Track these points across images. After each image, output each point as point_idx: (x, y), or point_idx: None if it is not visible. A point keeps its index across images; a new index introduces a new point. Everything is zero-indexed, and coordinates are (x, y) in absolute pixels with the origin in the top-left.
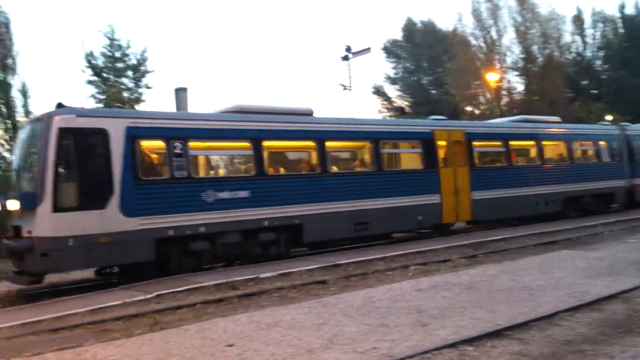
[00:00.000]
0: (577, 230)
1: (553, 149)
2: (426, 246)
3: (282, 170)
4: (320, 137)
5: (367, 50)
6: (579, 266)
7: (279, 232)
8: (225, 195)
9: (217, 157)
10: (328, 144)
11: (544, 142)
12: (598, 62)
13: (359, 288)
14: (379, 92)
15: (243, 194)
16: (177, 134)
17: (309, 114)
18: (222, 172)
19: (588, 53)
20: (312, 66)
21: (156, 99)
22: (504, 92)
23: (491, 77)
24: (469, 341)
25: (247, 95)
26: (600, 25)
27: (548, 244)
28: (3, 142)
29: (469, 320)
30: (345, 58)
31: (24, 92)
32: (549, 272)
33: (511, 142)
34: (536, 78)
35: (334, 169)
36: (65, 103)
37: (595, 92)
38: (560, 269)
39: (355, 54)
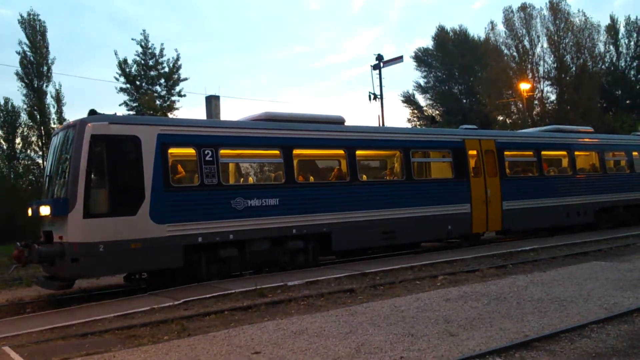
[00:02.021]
0: (608, 242)
1: (585, 159)
2: (455, 256)
3: (311, 179)
4: (351, 145)
5: (400, 59)
6: (610, 278)
7: (308, 240)
8: (254, 202)
9: (247, 165)
10: (359, 152)
11: (576, 152)
12: (632, 72)
13: (387, 297)
14: (409, 100)
15: (272, 201)
16: (208, 142)
17: (340, 122)
18: (251, 179)
19: (622, 63)
20: (342, 74)
21: (189, 106)
22: (536, 102)
23: (523, 87)
24: (497, 352)
25: (276, 103)
26: (634, 34)
27: (579, 255)
28: (37, 148)
29: (498, 330)
30: (376, 67)
31: (57, 99)
32: (579, 283)
33: (543, 152)
34: (569, 88)
35: (364, 177)
36: (98, 110)
37: (629, 102)
38: (591, 280)
39: (387, 62)
